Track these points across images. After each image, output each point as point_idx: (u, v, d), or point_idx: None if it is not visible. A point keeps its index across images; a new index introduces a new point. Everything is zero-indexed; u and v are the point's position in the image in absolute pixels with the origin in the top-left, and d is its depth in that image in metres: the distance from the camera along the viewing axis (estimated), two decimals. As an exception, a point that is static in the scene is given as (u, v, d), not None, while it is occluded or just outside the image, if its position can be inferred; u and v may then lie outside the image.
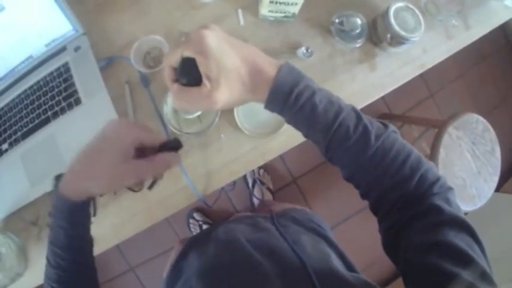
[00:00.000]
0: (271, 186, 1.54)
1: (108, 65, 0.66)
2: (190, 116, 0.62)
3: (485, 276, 0.28)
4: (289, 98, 0.34)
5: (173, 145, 0.41)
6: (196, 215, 1.40)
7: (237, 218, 0.64)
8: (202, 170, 0.64)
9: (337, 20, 0.63)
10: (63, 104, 0.66)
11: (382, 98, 0.82)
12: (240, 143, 0.64)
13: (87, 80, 0.65)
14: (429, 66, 0.74)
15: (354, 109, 0.37)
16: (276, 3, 0.61)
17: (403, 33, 0.66)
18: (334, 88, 0.68)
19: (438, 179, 0.35)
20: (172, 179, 0.64)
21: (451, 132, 0.98)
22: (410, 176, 0.34)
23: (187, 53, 0.33)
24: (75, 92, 0.65)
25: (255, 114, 0.66)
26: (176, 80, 0.35)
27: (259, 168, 1.53)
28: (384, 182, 0.35)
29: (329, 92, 0.37)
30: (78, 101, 0.65)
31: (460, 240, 0.30)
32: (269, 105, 0.35)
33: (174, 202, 0.63)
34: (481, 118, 0.98)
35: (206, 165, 0.65)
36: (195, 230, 1.39)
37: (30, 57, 0.68)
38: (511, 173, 1.71)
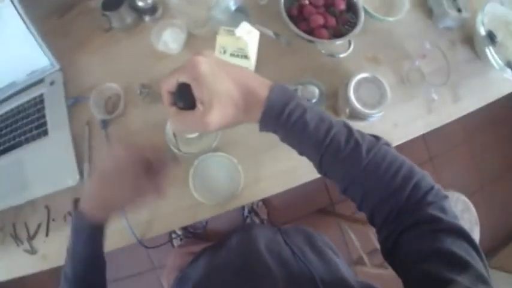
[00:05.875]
0: (265, 221, 1.50)
1: (74, 103, 0.71)
2: (192, 136, 0.63)
3: (481, 279, 0.28)
4: (280, 117, 0.36)
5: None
6: (177, 230, 1.46)
7: (249, 225, 0.67)
8: (146, 215, 0.67)
9: (289, 90, 0.61)
10: (34, 132, 0.72)
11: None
12: (178, 199, 0.66)
13: (56, 115, 0.71)
14: (397, 143, 0.69)
15: (345, 124, 0.38)
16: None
17: (361, 109, 0.62)
18: (282, 160, 0.66)
19: (432, 187, 0.35)
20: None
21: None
22: (402, 186, 0.35)
23: (182, 79, 0.36)
24: (45, 123, 0.71)
25: (209, 181, 0.65)
26: (174, 104, 0.38)
27: (259, 200, 1.50)
28: (377, 194, 0.36)
29: (320, 109, 0.38)
30: (45, 132, 0.71)
31: (457, 247, 0.31)
32: (262, 125, 0.37)
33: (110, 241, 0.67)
34: (462, 197, 0.89)
35: (151, 211, 0.67)
36: (177, 243, 1.45)
37: (14, 82, 0.75)
38: (503, 247, 1.54)
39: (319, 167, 0.39)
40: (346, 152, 0.36)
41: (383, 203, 0.36)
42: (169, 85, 0.37)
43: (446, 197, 0.36)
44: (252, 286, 0.43)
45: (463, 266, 0.30)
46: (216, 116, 0.35)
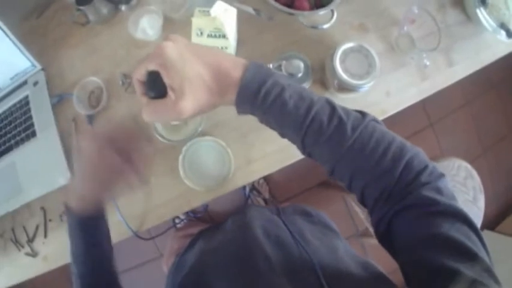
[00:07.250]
0: (267, 197, 1.51)
1: (59, 101, 0.70)
2: (176, 122, 0.61)
3: (488, 271, 0.27)
4: (256, 98, 0.34)
5: None
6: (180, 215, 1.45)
7: (245, 207, 0.65)
8: (140, 207, 0.66)
9: (271, 65, 0.59)
10: (23, 134, 0.71)
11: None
12: (169, 188, 0.65)
13: (42, 115, 0.70)
14: (391, 113, 0.67)
15: (328, 101, 0.35)
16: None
17: (349, 80, 0.59)
18: (272, 139, 0.64)
19: (426, 166, 0.33)
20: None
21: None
22: (392, 166, 0.33)
23: (151, 67, 0.34)
24: (32, 125, 0.71)
25: (200, 166, 0.63)
26: (146, 93, 0.36)
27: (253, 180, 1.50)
28: (365, 175, 0.34)
29: (301, 86, 0.36)
30: (34, 134, 0.70)
31: (456, 231, 0.29)
32: (238, 107, 0.35)
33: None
34: (464, 164, 0.86)
35: (144, 203, 0.66)
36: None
37: (-1, 88, 0.75)
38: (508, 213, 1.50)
39: (303, 149, 0.36)
40: (330, 131, 0.33)
41: (372, 185, 0.34)
42: (139, 75, 0.35)
43: (442, 175, 0.33)
44: (247, 273, 0.41)
45: (465, 254, 0.28)
46: (189, 102, 0.33)
